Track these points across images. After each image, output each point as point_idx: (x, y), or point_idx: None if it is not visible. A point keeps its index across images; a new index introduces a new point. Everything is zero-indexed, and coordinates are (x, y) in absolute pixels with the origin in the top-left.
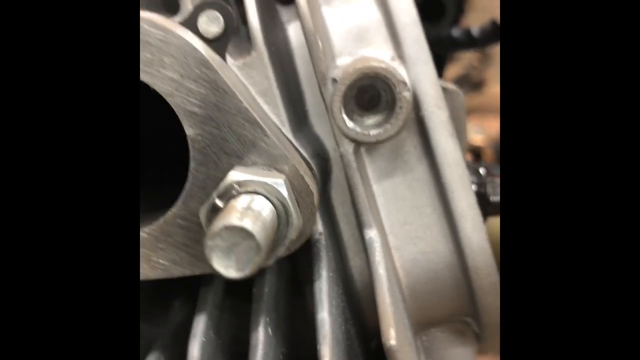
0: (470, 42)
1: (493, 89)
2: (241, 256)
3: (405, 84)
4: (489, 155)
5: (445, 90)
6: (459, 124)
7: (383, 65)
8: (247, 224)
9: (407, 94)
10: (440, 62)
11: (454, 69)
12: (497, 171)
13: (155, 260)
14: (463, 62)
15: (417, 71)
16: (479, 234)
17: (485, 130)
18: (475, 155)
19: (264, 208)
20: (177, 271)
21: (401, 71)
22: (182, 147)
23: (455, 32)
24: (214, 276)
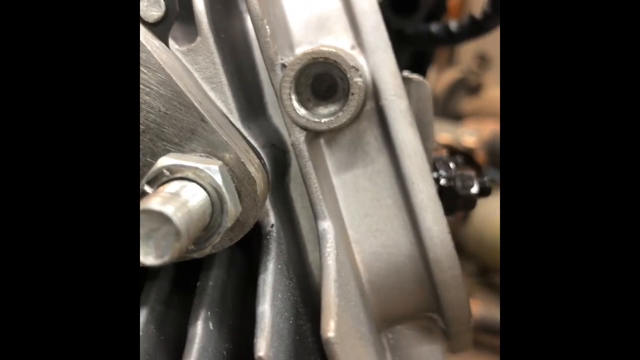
0: (448, 37)
1: (491, 93)
2: (160, 242)
3: (356, 69)
4: (482, 157)
5: (409, 80)
6: (425, 115)
7: (332, 50)
8: (167, 209)
9: (359, 80)
10: (424, 59)
11: (451, 73)
12: (493, 174)
13: None
14: (461, 66)
15: (376, 59)
16: (439, 226)
17: (480, 133)
18: (468, 157)
19: (195, 195)
20: None
21: (360, 60)
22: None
23: (434, 28)
24: (160, 270)
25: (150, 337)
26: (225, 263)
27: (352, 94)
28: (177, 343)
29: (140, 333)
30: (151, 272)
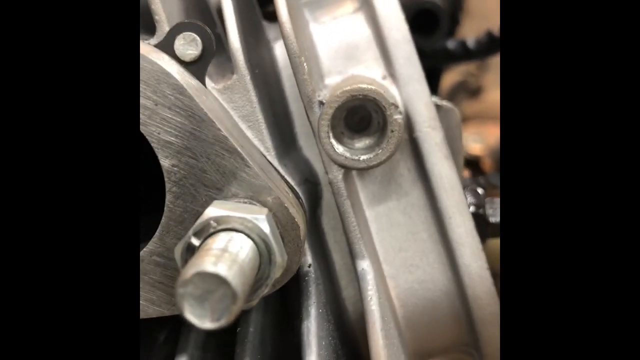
0: (466, 54)
1: (491, 96)
2: (216, 305)
3: (396, 106)
4: (488, 164)
5: (439, 107)
6: (455, 142)
7: (372, 87)
8: (222, 269)
9: (398, 117)
10: (436, 75)
11: (451, 76)
12: (497, 180)
13: None
14: (460, 69)
15: (409, 90)
16: (477, 262)
17: (484, 139)
18: (473, 165)
19: (243, 247)
20: (154, 311)
21: (393, 91)
22: (161, 180)
23: (451, 44)
24: None
25: None
26: (262, 306)
27: (392, 132)
28: None
29: None
30: None
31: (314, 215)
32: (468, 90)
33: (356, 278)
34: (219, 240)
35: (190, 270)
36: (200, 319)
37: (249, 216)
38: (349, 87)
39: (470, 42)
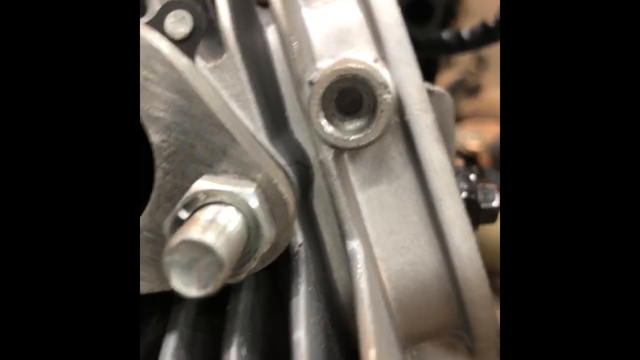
0: (461, 44)
1: (490, 94)
2: (202, 273)
3: (386, 86)
4: (485, 160)
5: (432, 93)
6: (447, 128)
7: (362, 67)
8: (208, 237)
9: (388, 97)
10: (432, 66)
11: (449, 75)
12: (495, 177)
13: None
14: (459, 67)
15: (400, 73)
16: (468, 244)
17: (481, 136)
18: (471, 160)
19: (232, 220)
20: (145, 288)
21: (384, 73)
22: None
23: (446, 35)
24: None
25: None
26: (253, 284)
27: (382, 111)
28: None
29: (171, 359)
30: (178, 295)
31: (306, 198)
32: (467, 89)
33: (346, 258)
34: (207, 212)
35: (177, 238)
36: (187, 287)
37: (237, 190)
38: (338, 67)
39: (465, 33)
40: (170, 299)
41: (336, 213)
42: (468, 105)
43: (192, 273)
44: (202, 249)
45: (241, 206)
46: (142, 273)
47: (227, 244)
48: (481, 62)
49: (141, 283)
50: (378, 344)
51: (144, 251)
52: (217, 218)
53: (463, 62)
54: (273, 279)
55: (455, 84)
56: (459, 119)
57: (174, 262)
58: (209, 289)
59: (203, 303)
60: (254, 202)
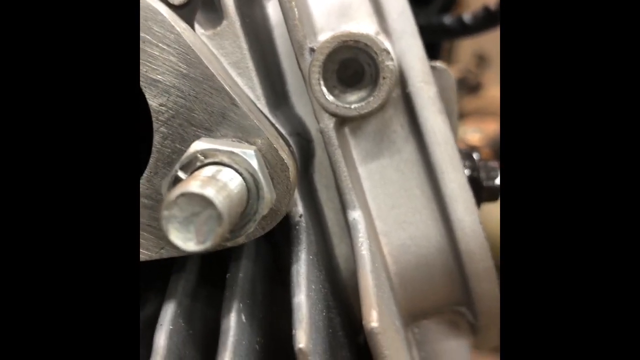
0: (462, 29)
1: (490, 92)
2: (201, 227)
3: (388, 52)
4: (487, 154)
5: (433, 68)
6: (449, 104)
7: (363, 33)
8: (207, 191)
9: (390, 63)
10: (434, 53)
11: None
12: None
13: None
14: (460, 65)
15: (402, 45)
16: (471, 217)
17: (483, 131)
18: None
19: (232, 179)
20: (143, 255)
21: (386, 45)
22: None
23: (447, 20)
24: (186, 263)
25: (179, 331)
26: (253, 254)
27: (384, 78)
28: (204, 337)
29: (170, 327)
30: (177, 265)
31: (307, 172)
32: (468, 87)
33: (347, 229)
34: (207, 170)
35: (175, 191)
36: (185, 242)
37: (237, 150)
38: (340, 33)
39: (467, 17)
40: (168, 273)
41: (337, 184)
42: (469, 103)
43: (191, 228)
44: (202, 202)
45: (241, 167)
46: (140, 240)
47: (227, 199)
48: (482, 61)
49: (139, 250)
50: (380, 307)
51: (142, 217)
52: (217, 175)
53: (464, 60)
54: (273, 254)
55: (456, 82)
56: (461, 116)
57: (172, 216)
58: (208, 244)
59: (202, 274)
60: (255, 163)
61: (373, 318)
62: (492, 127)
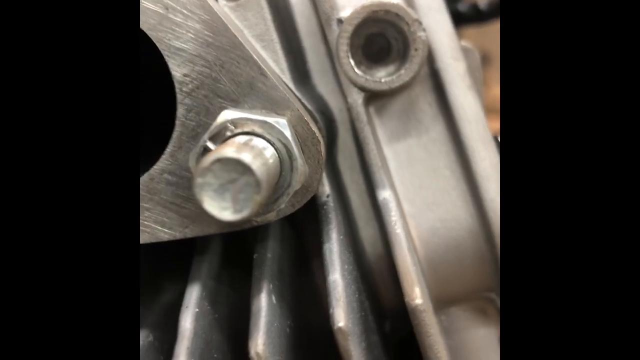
0: (477, 16)
1: (493, 91)
2: (237, 195)
3: (419, 22)
4: None
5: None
6: (476, 84)
7: (393, 2)
8: (244, 156)
9: (422, 34)
10: None
11: None
12: None
13: (141, 223)
14: None
15: (429, 20)
16: None
17: None
18: None
19: (266, 149)
20: (166, 234)
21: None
22: (172, 96)
23: (462, 7)
24: (209, 244)
25: (205, 314)
26: (279, 236)
27: (416, 49)
28: (231, 322)
29: (196, 309)
30: (199, 247)
31: (330, 153)
32: None
33: (375, 213)
34: (239, 138)
35: (210, 157)
36: (221, 211)
37: (269, 119)
38: (369, 3)
39: (482, 4)
40: (183, 266)
41: (364, 163)
42: None
43: (227, 195)
44: (239, 167)
45: (274, 137)
46: (163, 219)
47: (263, 165)
48: (485, 59)
49: (161, 230)
50: (421, 284)
51: (165, 195)
52: (251, 143)
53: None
54: (299, 241)
55: None
56: None
57: (206, 184)
58: (245, 213)
59: (226, 258)
60: (288, 133)
61: (417, 294)
62: (495, 125)
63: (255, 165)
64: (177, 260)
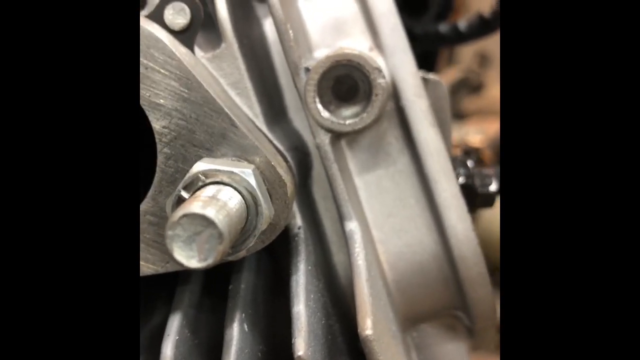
0: (457, 37)
1: (492, 92)
2: (203, 245)
3: (379, 70)
4: (488, 155)
5: (426, 80)
6: (443, 114)
7: (356, 52)
8: (208, 211)
9: (382, 81)
10: (431, 59)
11: (453, 73)
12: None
13: None
14: (462, 65)
15: (395, 60)
16: (464, 224)
17: (485, 133)
18: (473, 156)
19: (232, 198)
20: (149, 269)
21: (379, 61)
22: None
23: (443, 28)
24: (191, 274)
25: (185, 341)
26: (254, 266)
27: (376, 95)
28: (209, 347)
29: (176, 337)
30: (182, 277)
31: (305, 184)
32: (470, 87)
33: (344, 239)
34: (208, 191)
35: (178, 212)
36: (188, 259)
37: (236, 169)
38: (333, 53)
39: (462, 25)
40: (174, 283)
41: (334, 195)
42: (471, 102)
43: (193, 246)
44: (204, 221)
45: (240, 185)
46: (147, 255)
47: (227, 218)
48: (484, 60)
49: (145, 265)
50: (375, 314)
51: (148, 234)
52: (218, 195)
53: (465, 60)
54: (274, 267)
55: (458, 82)
56: (463, 116)
57: (176, 235)
58: (210, 261)
59: (207, 285)
60: (253, 181)
61: (367, 326)
62: (494, 127)
63: (218, 219)
64: (168, 279)
